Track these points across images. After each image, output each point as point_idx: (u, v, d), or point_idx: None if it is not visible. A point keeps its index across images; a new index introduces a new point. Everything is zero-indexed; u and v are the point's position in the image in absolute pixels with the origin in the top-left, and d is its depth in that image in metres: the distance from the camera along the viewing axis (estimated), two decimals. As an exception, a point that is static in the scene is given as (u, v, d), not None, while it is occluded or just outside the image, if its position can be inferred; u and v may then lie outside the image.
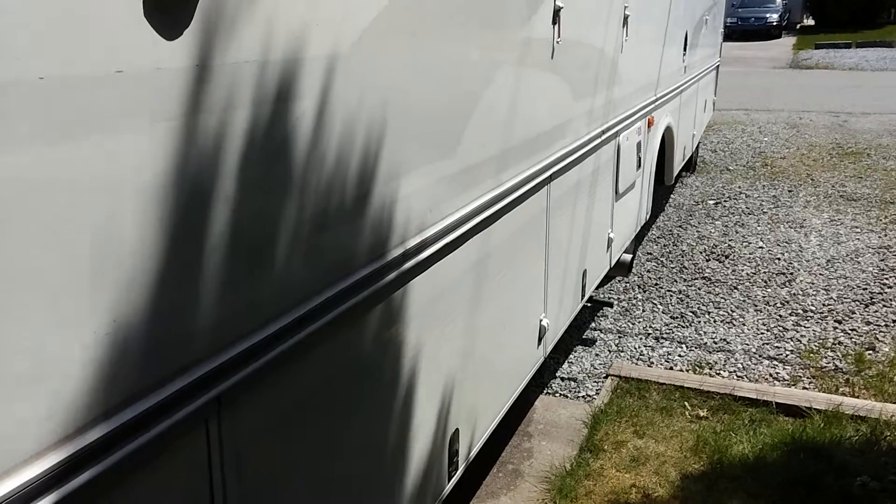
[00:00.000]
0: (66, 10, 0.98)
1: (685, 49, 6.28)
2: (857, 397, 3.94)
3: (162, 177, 1.15)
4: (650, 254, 6.36)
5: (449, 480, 2.41)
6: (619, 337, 4.87)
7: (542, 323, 3.21)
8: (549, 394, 4.13)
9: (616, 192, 4.34)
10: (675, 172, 6.60)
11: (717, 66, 9.27)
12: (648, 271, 5.98)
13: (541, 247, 3.13)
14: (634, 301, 5.41)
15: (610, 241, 4.35)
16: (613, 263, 4.56)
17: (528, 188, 2.81)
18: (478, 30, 2.29)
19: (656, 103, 5.22)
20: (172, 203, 1.17)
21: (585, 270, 3.87)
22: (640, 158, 4.82)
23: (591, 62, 3.53)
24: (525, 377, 3.11)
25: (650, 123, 5.12)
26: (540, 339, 3.23)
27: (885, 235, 6.61)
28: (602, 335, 4.88)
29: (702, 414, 3.88)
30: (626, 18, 4.02)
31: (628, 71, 4.24)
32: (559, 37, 2.93)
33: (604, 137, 3.87)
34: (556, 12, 2.88)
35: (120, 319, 1.04)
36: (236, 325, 1.29)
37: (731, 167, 9.34)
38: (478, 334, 2.52)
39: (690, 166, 8.82)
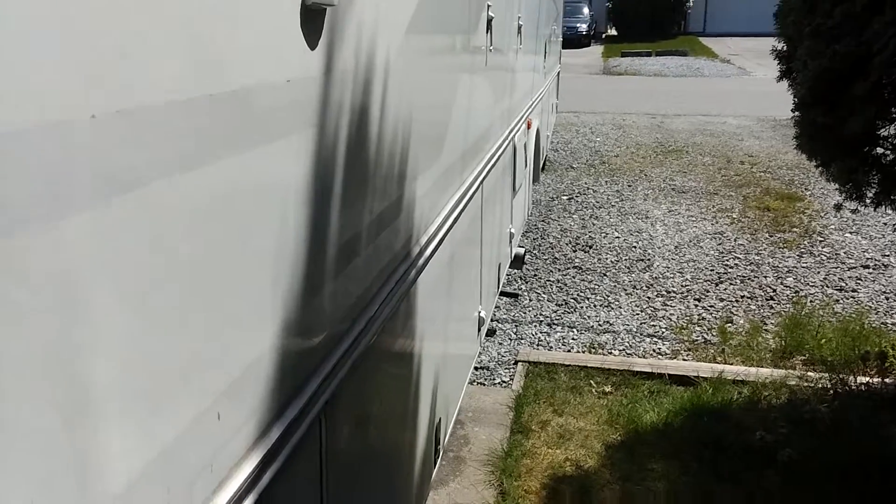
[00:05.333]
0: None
1: (545, 55, 6.74)
2: (731, 364, 4.50)
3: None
4: (523, 247, 6.75)
5: (435, 465, 2.51)
6: (516, 326, 5.16)
7: (480, 315, 3.38)
8: (469, 383, 4.30)
9: (513, 190, 4.61)
10: (540, 171, 7.05)
11: (559, 72, 9.97)
12: (525, 263, 6.34)
13: (478, 242, 3.29)
14: (520, 292, 5.74)
15: (511, 235, 4.61)
16: (513, 257, 4.84)
17: (476, 187, 2.96)
18: (450, 51, 2.41)
19: (532, 106, 5.58)
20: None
21: (500, 264, 4.09)
22: (526, 158, 5.14)
23: (505, 68, 3.76)
24: (471, 366, 3.26)
25: (529, 125, 5.46)
26: (479, 330, 3.39)
27: (717, 223, 7.50)
28: (500, 325, 5.14)
29: (607, 390, 4.25)
30: (519, 28, 4.30)
31: (521, 75, 4.53)
32: (491, 45, 3.12)
33: (509, 138, 4.11)
34: (489, 22, 3.06)
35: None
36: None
37: (574, 165, 10.07)
38: (450, 326, 2.64)
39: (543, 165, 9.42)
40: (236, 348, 0.96)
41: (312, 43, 1.10)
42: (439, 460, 2.56)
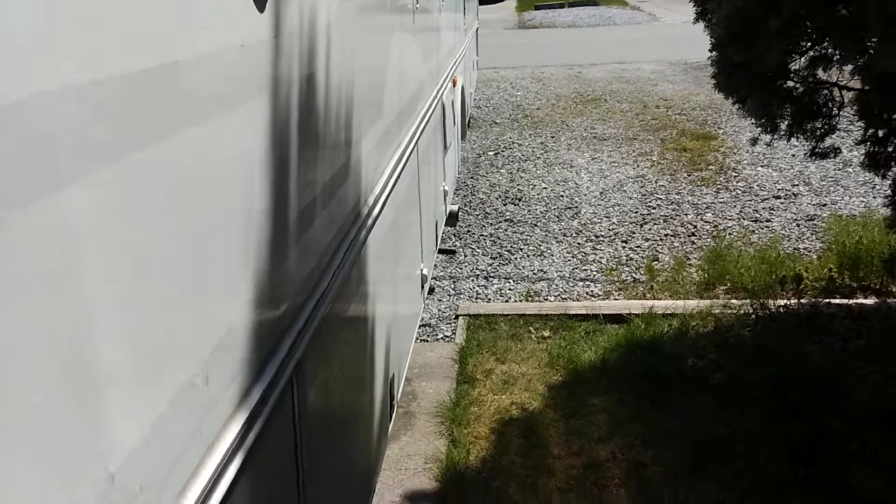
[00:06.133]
0: None
1: (465, 13, 6.74)
2: (660, 299, 4.74)
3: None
4: (456, 204, 6.83)
5: (391, 419, 2.59)
6: (454, 281, 5.27)
7: (423, 272, 3.45)
8: (414, 340, 4.39)
9: (445, 148, 4.66)
10: (467, 128, 7.11)
11: (477, 28, 9.96)
12: (458, 220, 6.43)
13: (417, 201, 3.34)
14: (456, 248, 5.84)
15: (445, 192, 4.67)
16: (447, 214, 4.90)
17: (412, 146, 3.00)
18: (384, 9, 2.42)
19: (456, 64, 5.61)
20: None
21: (437, 221, 4.15)
22: (454, 115, 5.18)
23: (431, 25, 3.77)
24: (417, 322, 3.34)
25: (454, 83, 5.49)
26: (422, 287, 3.47)
27: (638, 167, 7.75)
28: (438, 282, 5.24)
29: (545, 334, 4.42)
30: (441, -17, 4.30)
31: (445, 33, 4.55)
32: (418, 2, 3.12)
33: (438, 96, 4.14)
34: (415, -22, 3.06)
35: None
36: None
37: (497, 120, 10.16)
38: (398, 285, 2.70)
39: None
40: (216, 314, 1.00)
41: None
42: (394, 414, 2.64)
